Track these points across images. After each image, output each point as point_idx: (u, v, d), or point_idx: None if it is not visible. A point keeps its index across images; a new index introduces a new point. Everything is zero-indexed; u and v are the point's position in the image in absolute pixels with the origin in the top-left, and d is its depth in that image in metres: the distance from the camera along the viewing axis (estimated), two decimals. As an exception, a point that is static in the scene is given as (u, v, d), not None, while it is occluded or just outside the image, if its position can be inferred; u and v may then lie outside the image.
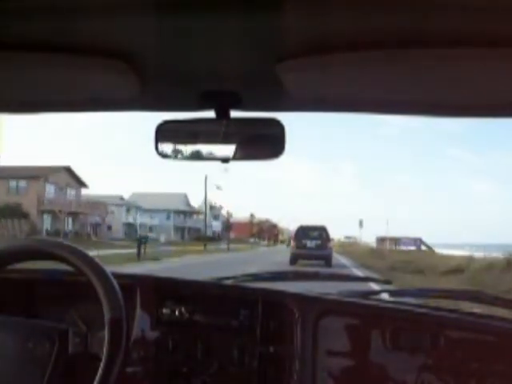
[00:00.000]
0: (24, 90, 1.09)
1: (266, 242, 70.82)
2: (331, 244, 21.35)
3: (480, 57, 0.83)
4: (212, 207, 69.01)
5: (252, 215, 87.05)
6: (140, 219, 54.95)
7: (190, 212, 65.33)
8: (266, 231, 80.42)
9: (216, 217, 72.54)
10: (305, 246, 20.00)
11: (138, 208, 55.11)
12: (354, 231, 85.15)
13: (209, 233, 65.69)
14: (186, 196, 65.24)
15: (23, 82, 1.03)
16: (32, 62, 0.91)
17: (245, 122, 1.18)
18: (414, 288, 2.04)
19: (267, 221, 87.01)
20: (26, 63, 0.92)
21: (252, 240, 71.31)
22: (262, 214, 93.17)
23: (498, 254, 16.70)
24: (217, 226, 71.53)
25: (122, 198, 54.66)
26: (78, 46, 0.87)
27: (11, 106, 1.22)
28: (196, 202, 73.11)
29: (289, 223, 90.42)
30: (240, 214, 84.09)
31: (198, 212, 67.21)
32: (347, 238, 70.18)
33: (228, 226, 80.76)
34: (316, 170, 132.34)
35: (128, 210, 53.86)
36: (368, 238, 57.92)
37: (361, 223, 42.59)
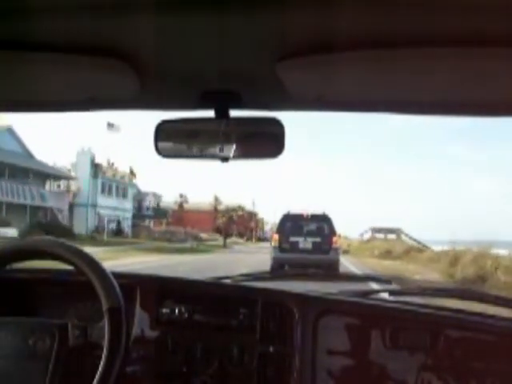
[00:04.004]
0: (24, 89, 1.10)
1: (228, 241, 38.09)
2: (338, 243, 13.18)
3: (480, 57, 0.84)
4: (99, 168, 34.99)
5: (216, 199, 53.22)
6: None
7: (13, 167, 28.59)
8: (237, 223, 47.83)
9: (118, 191, 38.28)
10: (295, 247, 12.76)
11: None
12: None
13: (85, 221, 31.17)
14: (10, 132, 29.89)
15: (23, 81, 1.04)
16: (32, 61, 0.92)
17: (244, 121, 1.20)
18: (414, 287, 1.99)
19: (240, 208, 53.55)
20: (26, 63, 0.93)
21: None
22: (233, 200, 59.93)
23: None
24: (111, 207, 36.69)
25: None
26: (78, 45, 0.88)
27: (11, 105, 1.24)
28: (66, 160, 39.03)
29: (275, 214, 59.42)
30: (201, 198, 51.68)
31: (54, 175, 32.77)
32: (378, 231, 36.76)
33: (163, 213, 43.21)
34: (310, 156, 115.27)
35: None
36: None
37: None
